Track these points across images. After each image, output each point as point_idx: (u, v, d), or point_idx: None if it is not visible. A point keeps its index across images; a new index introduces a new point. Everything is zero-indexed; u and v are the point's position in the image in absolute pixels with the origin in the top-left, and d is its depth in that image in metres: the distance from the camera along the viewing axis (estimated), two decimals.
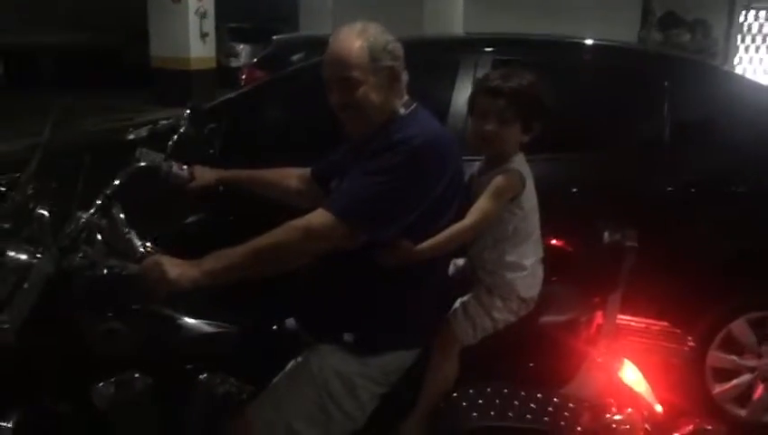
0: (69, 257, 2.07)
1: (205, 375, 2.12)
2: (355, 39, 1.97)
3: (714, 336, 3.13)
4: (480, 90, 2.08)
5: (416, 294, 2.02)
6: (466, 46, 3.53)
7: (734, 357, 3.21)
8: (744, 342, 3.20)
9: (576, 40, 3.58)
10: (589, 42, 3.57)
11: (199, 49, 14.57)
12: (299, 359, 2.06)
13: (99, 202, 2.13)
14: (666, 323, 2.31)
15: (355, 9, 5.94)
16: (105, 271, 2.02)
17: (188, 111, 2.47)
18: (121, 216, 2.10)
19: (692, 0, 11.19)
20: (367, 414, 2.02)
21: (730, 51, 11.21)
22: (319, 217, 1.89)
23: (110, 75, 15.82)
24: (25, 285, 2.02)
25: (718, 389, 3.24)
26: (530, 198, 2.08)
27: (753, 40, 18.93)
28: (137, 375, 2.09)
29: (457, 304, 2.10)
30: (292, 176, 2.44)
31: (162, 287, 1.85)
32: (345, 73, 1.96)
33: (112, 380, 2.08)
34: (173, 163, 2.32)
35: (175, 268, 1.84)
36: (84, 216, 2.08)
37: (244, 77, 9.79)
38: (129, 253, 2.05)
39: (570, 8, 8.41)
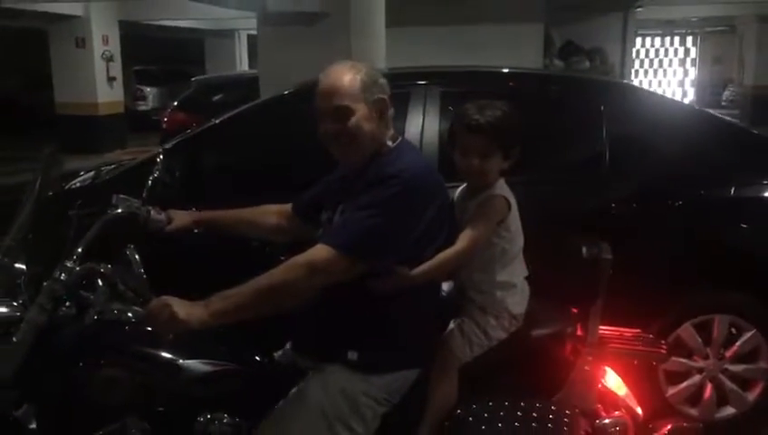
0: (58, 308, 2.05)
1: (203, 417, 2.11)
2: (347, 72, 2.06)
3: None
4: (460, 127, 2.18)
5: (413, 315, 2.09)
6: (416, 79, 3.66)
7: (683, 360, 3.42)
8: (692, 345, 3.42)
9: (519, 70, 3.79)
10: (528, 71, 3.79)
11: (107, 93, 14.33)
12: (302, 384, 2.09)
13: (80, 250, 2.10)
14: (638, 330, 2.46)
15: (283, 45, 5.99)
16: (109, 315, 1.99)
17: (161, 156, 2.47)
18: (136, 256, 2.10)
19: (588, 30, 11.75)
20: (371, 433, 2.06)
21: (626, 74, 11.85)
22: (320, 252, 1.95)
23: (14, 124, 15.19)
24: (14, 338, 1.99)
25: (671, 391, 3.43)
26: (515, 220, 2.21)
27: (641, 64, 20.27)
28: (133, 423, 2.06)
29: (452, 324, 2.19)
30: (271, 213, 2.48)
31: (171, 328, 1.85)
32: (338, 102, 2.04)
33: (107, 428, 2.05)
34: (150, 208, 2.33)
35: (183, 309, 1.85)
36: (69, 264, 2.05)
37: (165, 120, 9.64)
38: (142, 293, 2.04)
39: (480, 41, 8.73)
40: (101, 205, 2.31)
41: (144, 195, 2.35)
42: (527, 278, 2.26)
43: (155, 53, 19.99)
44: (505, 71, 4.01)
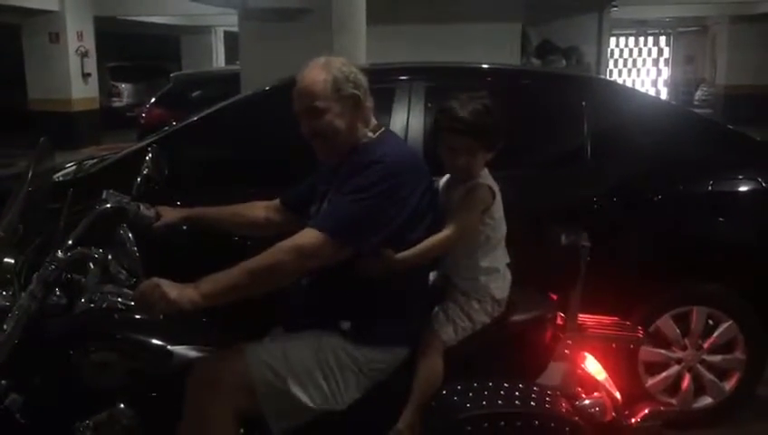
0: (48, 297, 2.08)
1: None
2: (319, 72, 2.13)
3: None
4: (445, 127, 2.22)
5: (402, 296, 2.17)
6: (401, 74, 3.72)
7: (662, 351, 3.50)
8: (671, 336, 3.49)
9: (502, 66, 3.85)
10: (512, 68, 3.85)
11: (81, 90, 14.20)
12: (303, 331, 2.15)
13: (70, 242, 2.13)
14: (616, 318, 2.54)
15: (264, 41, 6.01)
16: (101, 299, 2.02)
17: (151, 152, 2.49)
18: (129, 235, 2.14)
19: (564, 29, 11.87)
20: (346, 401, 2.10)
21: (601, 73, 12.00)
22: (308, 236, 2.02)
23: None
24: (5, 326, 2.01)
25: (650, 381, 3.50)
26: (498, 208, 2.27)
27: (616, 64, 20.52)
28: (123, 408, 2.09)
29: (437, 308, 2.25)
30: (259, 208, 2.54)
31: (162, 309, 1.89)
32: (311, 103, 2.12)
33: (98, 416, 2.08)
34: (139, 203, 2.37)
35: (173, 290, 1.90)
36: (60, 254, 2.07)
37: (144, 116, 9.58)
38: (135, 271, 2.06)
39: (459, 40, 8.80)
40: (90, 198, 2.34)
41: (133, 191, 2.37)
42: (509, 265, 2.32)
43: (131, 50, 19.84)
44: (489, 67, 4.08)
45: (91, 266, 2.07)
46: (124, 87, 18.58)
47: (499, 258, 2.29)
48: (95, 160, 4.18)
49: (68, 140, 13.28)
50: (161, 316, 1.96)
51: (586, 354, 2.40)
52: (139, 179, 2.42)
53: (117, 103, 18.21)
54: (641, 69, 21.08)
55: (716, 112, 17.78)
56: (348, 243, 2.03)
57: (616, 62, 20.65)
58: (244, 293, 1.98)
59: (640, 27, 21.03)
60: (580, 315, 2.48)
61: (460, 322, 2.22)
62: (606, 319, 2.50)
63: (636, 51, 21.08)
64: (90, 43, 14.29)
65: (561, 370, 2.33)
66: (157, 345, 2.14)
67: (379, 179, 2.05)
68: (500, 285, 2.27)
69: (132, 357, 2.12)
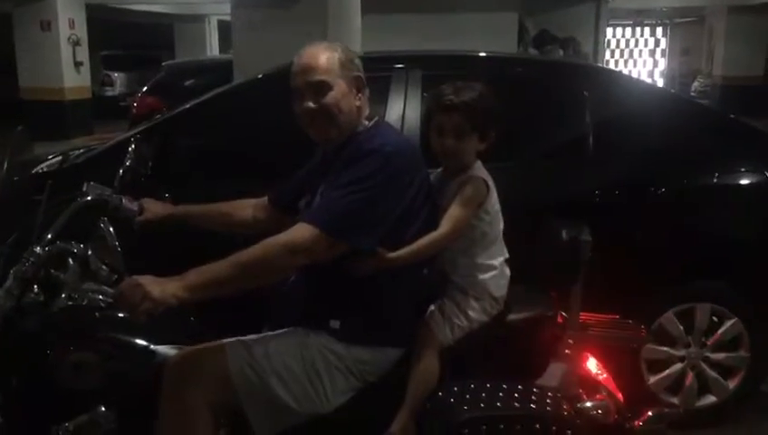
0: (25, 294, 1.98)
1: None
2: (324, 50, 2.05)
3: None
4: (435, 106, 2.16)
5: (395, 295, 2.07)
6: (397, 62, 3.60)
7: (665, 348, 3.41)
8: (674, 333, 3.40)
9: (501, 55, 3.73)
10: (512, 56, 3.73)
11: (73, 78, 14.01)
12: (290, 328, 2.05)
13: (50, 236, 2.03)
14: (616, 316, 2.45)
15: (257, 29, 5.89)
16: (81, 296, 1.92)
17: (134, 145, 2.39)
18: (110, 229, 2.03)
19: (562, 19, 11.82)
20: (334, 404, 2.01)
21: (598, 63, 11.94)
22: (301, 231, 1.91)
23: None
24: None
25: (653, 379, 3.41)
26: (494, 202, 2.18)
27: (612, 54, 20.43)
28: (105, 412, 1.99)
29: (433, 306, 2.15)
30: (247, 206, 2.44)
31: (146, 310, 1.78)
32: (316, 78, 2.01)
33: (77, 419, 1.98)
34: (122, 197, 2.27)
35: (156, 286, 1.78)
36: (38, 250, 1.97)
37: (135, 105, 9.44)
38: (117, 267, 1.97)
39: (455, 29, 8.71)
40: (71, 190, 2.24)
41: (116, 183, 2.27)
42: (507, 261, 2.23)
43: (124, 38, 19.65)
44: (488, 55, 3.95)
45: (71, 262, 1.96)
46: (117, 76, 18.41)
47: (497, 254, 2.19)
48: (81, 151, 4.06)
49: (60, 130, 13.19)
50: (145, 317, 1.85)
51: (587, 355, 2.32)
52: (121, 171, 2.32)
53: (110, 92, 18.04)
54: (638, 60, 21.00)
55: (713, 103, 17.70)
56: (343, 238, 1.92)
57: (612, 52, 20.55)
58: (231, 287, 1.87)
59: (637, 18, 20.93)
60: (581, 314, 2.39)
61: (457, 320, 2.12)
62: (608, 317, 2.41)
63: (632, 41, 20.99)
64: (82, 32, 14.10)
65: (561, 370, 2.23)
66: (140, 345, 2.04)
67: (377, 170, 1.94)
68: (498, 283, 2.17)
69: (114, 358, 2.02)
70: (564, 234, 2.28)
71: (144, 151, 2.42)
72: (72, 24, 13.82)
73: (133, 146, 2.39)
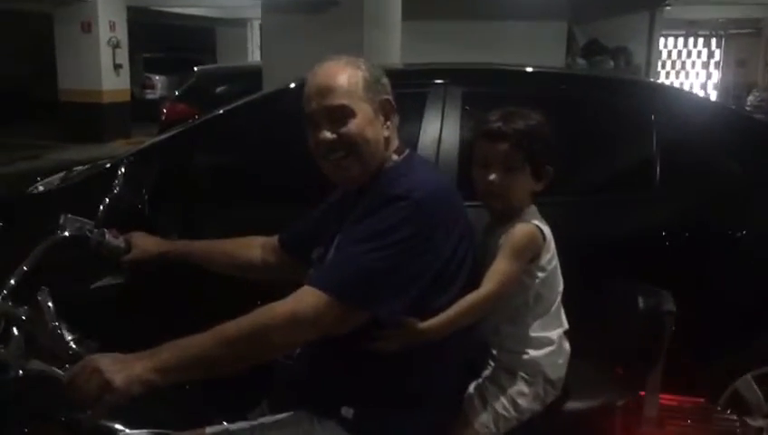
0: None
1: None
2: (344, 67, 1.67)
3: (718, 396, 2.84)
4: (480, 134, 1.77)
5: (423, 372, 1.66)
6: (435, 77, 3.16)
7: (740, 418, 2.91)
8: (751, 400, 2.90)
9: (554, 70, 3.26)
10: (566, 72, 3.26)
11: (112, 81, 13.99)
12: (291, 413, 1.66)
13: (12, 283, 1.67)
14: (702, 400, 1.99)
15: (288, 35, 5.56)
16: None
17: (123, 169, 2.02)
18: (49, 304, 1.61)
19: (613, 28, 11.47)
20: None
21: (651, 75, 11.45)
22: (306, 297, 1.51)
23: (15, 111, 14.85)
24: None
25: None
26: (552, 257, 1.75)
27: (663, 66, 19.83)
28: None
29: (471, 388, 1.74)
30: (255, 246, 2.06)
31: (104, 401, 1.39)
32: (335, 102, 1.63)
33: None
34: (105, 231, 1.91)
35: (119, 371, 1.40)
36: None
37: (165, 111, 9.20)
38: (59, 352, 1.57)
39: (500, 38, 8.36)
40: (46, 224, 1.88)
41: (98, 215, 1.90)
42: (566, 334, 1.79)
43: (165, 41, 19.60)
44: (538, 71, 3.47)
45: (15, 333, 1.56)
46: (158, 79, 18.33)
47: (554, 325, 1.75)
48: (86, 168, 3.69)
49: (97, 133, 13.22)
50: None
51: None
52: (107, 200, 1.95)
53: (151, 95, 17.96)
54: (690, 72, 20.37)
55: None
56: (360, 306, 1.53)
57: (663, 63, 19.98)
58: (215, 369, 1.49)
59: (690, 28, 20.31)
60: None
61: (502, 409, 1.70)
62: (689, 401, 1.95)
63: (685, 52, 20.41)
64: (122, 34, 14.05)
65: None
66: (107, 429, 1.65)
67: (403, 222, 1.54)
68: (555, 361, 1.74)
69: None
70: (641, 302, 1.83)
71: (137, 176, 2.06)
72: (112, 27, 13.79)
73: (122, 170, 2.03)
